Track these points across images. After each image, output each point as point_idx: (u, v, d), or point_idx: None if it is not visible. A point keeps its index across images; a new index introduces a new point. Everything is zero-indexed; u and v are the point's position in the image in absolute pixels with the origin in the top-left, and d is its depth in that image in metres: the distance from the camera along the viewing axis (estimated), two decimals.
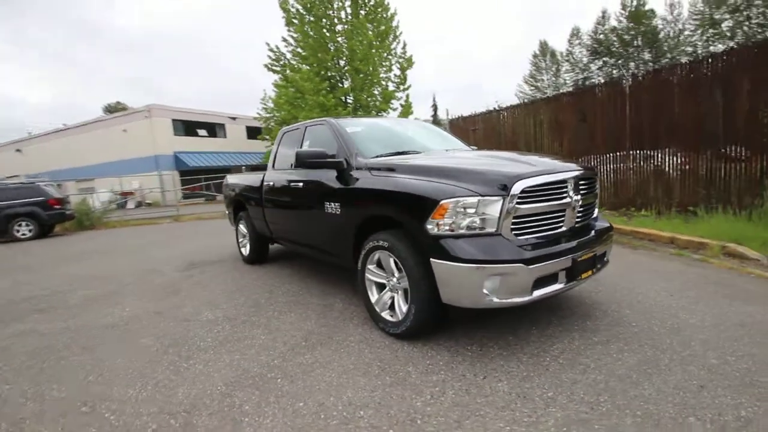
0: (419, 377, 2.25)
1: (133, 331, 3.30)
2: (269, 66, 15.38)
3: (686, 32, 37.00)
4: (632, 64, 40.41)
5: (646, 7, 38.26)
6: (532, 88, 46.49)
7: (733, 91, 6.05)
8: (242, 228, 5.57)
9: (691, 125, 6.55)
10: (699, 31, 35.35)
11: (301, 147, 4.01)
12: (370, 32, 14.14)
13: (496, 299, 2.25)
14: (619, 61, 40.83)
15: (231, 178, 6.04)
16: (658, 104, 7.09)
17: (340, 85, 15.17)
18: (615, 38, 40.23)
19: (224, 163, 26.74)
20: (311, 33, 14.05)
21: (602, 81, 10.43)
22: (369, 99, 14.96)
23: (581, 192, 2.67)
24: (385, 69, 15.51)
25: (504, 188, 2.29)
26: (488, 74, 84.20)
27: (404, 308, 2.65)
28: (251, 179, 5.15)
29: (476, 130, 11.25)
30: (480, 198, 2.27)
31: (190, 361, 2.65)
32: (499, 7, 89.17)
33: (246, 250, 5.53)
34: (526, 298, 2.29)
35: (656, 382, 2.08)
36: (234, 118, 30.27)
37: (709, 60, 6.44)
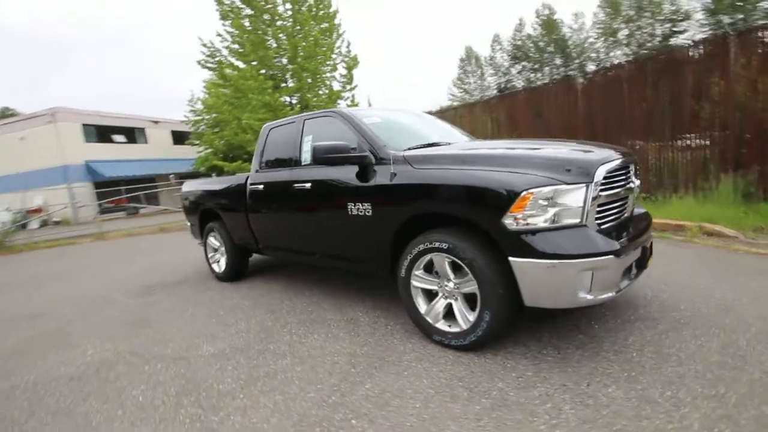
0: (518, 394, 1.96)
1: (112, 381, 2.58)
2: (203, 63, 14.01)
3: (590, 40, 41.37)
4: (546, 69, 44.28)
5: (556, 17, 42.12)
6: (461, 90, 48.80)
7: (678, 87, 6.65)
8: (213, 241, 4.84)
9: (641, 118, 7.10)
10: (601, 39, 39.73)
11: (301, 143, 3.51)
12: (316, 29, 13.56)
13: (589, 296, 2.04)
14: (536, 66, 44.46)
15: (193, 185, 5.23)
16: (609, 99, 7.59)
17: (284, 84, 14.35)
18: (531, 45, 43.72)
19: (147, 172, 24.02)
20: (249, 28, 13.07)
21: (556, 79, 11.02)
22: (315, 99, 14.34)
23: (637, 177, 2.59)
24: (329, 68, 15.00)
25: (587, 174, 2.10)
26: (421, 78, 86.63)
27: (471, 316, 2.35)
28: (227, 183, 4.47)
29: None
30: (565, 186, 2.05)
31: (219, 413, 2.07)
32: (428, 13, 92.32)
33: (220, 266, 4.80)
34: (615, 293, 2.12)
35: (754, 363, 2.02)
36: (156, 122, 27.38)
37: (653, 58, 7.04)
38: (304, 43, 13.24)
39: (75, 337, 3.43)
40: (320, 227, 3.28)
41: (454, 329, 2.45)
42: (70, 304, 4.55)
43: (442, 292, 2.52)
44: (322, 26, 14.41)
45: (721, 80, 6.15)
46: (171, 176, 22.02)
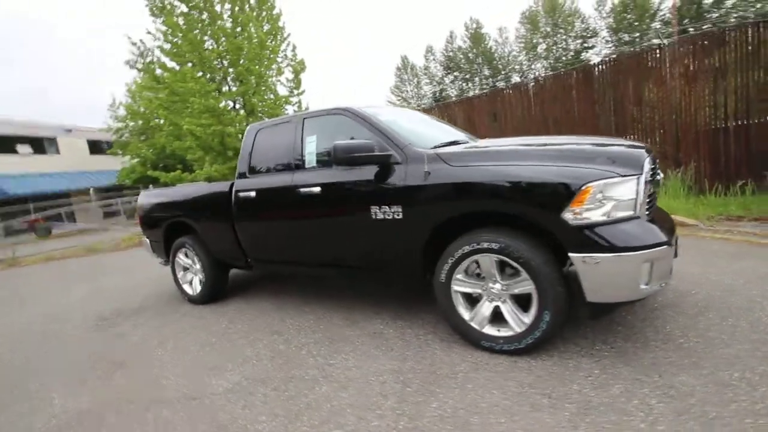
0: (599, 395, 1.89)
1: None
2: (132, 63, 12.62)
3: (514, 53, 44.64)
4: (477, 79, 46.95)
5: (483, 31, 44.86)
6: (399, 98, 49.91)
7: (621, 93, 7.30)
8: (184, 259, 4.27)
9: (590, 121, 7.68)
10: (523, 52, 43.06)
11: (302, 144, 3.20)
12: (260, 30, 12.89)
13: (648, 287, 2.04)
14: (467, 76, 46.92)
15: (154, 195, 4.59)
16: (560, 104, 8.13)
17: (226, 87, 13.43)
18: (462, 56, 46.08)
19: (60, 187, 21.13)
20: (185, 27, 12.04)
21: (510, 84, 11.56)
22: (261, 104, 13.61)
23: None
24: (275, 71, 14.36)
25: (638, 166, 2.11)
26: (357, 85, 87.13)
27: (527, 318, 2.25)
28: (204, 191, 3.97)
29: None
30: (620, 179, 2.04)
31: None
32: (365, 24, 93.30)
33: (193, 287, 4.25)
34: (666, 282, 2.16)
35: None
36: (69, 130, 24.22)
37: (599, 65, 7.68)
38: (248, 45, 12.52)
39: (32, 384, 2.78)
40: (333, 234, 3.00)
41: (505, 333, 2.33)
42: (4, 344, 3.72)
43: (487, 295, 2.40)
44: (265, 28, 13.78)
45: (658, 87, 6.86)
46: (91, 190, 19.62)
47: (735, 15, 32.83)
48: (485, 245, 2.27)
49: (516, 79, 42.98)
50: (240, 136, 12.95)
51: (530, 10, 41.86)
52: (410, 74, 48.94)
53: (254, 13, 13.15)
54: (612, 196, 2.03)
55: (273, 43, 13.89)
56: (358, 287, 4.02)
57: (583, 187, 2.01)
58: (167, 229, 4.34)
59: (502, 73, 44.80)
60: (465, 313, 2.46)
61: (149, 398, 2.41)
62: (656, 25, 36.92)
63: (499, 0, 68.88)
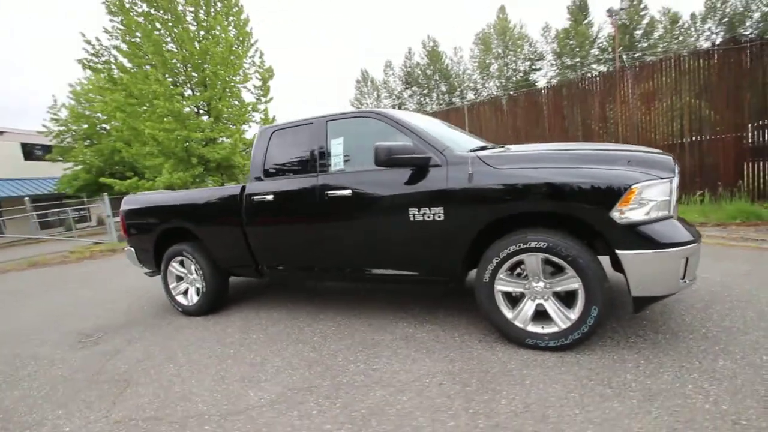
0: (655, 382, 2.01)
1: None
2: (86, 62, 11.60)
3: (468, 71, 46.76)
4: (434, 94, 48.55)
5: (440, 49, 46.63)
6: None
7: (587, 109, 7.92)
8: (178, 268, 3.99)
9: (559, 134, 8.23)
10: (477, 71, 45.25)
11: (327, 147, 3.14)
12: (229, 34, 12.48)
13: (684, 282, 2.23)
14: (425, 91, 48.37)
15: (144, 200, 4.24)
16: (532, 118, 8.65)
17: (188, 92, 12.80)
18: (420, 72, 47.51)
19: None
20: (148, 27, 11.37)
21: (484, 99, 12.05)
22: (228, 110, 13.12)
23: None
24: (241, 77, 13.95)
25: (670, 170, 2.31)
26: (316, 97, 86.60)
27: (572, 314, 2.35)
28: (211, 195, 3.74)
29: None
30: (659, 181, 2.22)
31: None
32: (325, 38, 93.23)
33: (189, 298, 3.97)
34: (694, 278, 2.35)
35: None
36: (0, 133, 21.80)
37: (567, 86, 8.28)
38: (215, 49, 12.08)
39: (28, 416, 2.43)
40: (365, 238, 2.95)
41: (550, 330, 2.42)
42: None
43: (530, 293, 2.48)
44: (231, 33, 13.41)
45: (621, 105, 7.52)
46: (26, 199, 17.72)
47: (662, 45, 36.86)
48: (533, 244, 2.35)
49: (471, 96, 45.01)
50: (207, 141, 12.40)
51: (483, 31, 44.22)
52: (370, 87, 49.59)
53: (221, 17, 12.75)
54: (651, 197, 2.20)
55: (240, 48, 13.53)
56: (368, 292, 3.97)
57: (630, 188, 2.16)
58: (160, 236, 4.03)
59: (458, 90, 46.67)
60: (508, 313, 2.52)
61: (182, 415, 2.21)
62: (595, 51, 40.50)
63: (455, 20, 72.19)
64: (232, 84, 13.38)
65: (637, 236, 2.16)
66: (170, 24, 11.90)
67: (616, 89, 7.46)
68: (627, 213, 2.17)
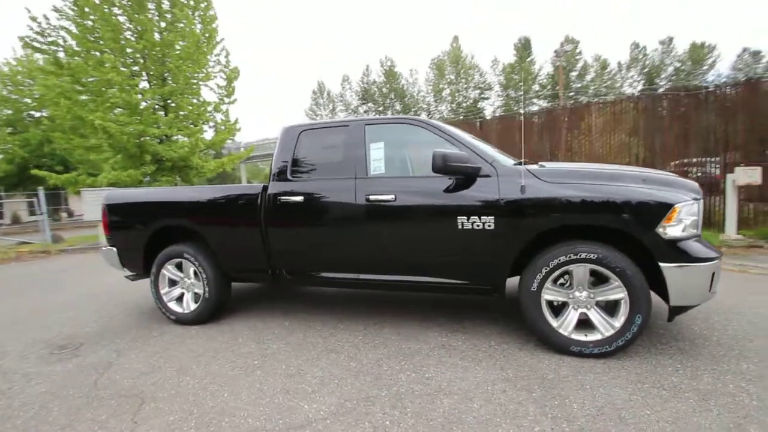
0: (699, 383, 2.19)
1: None
2: (29, 41, 10.19)
3: (422, 93, 48.55)
4: (389, 112, 49.60)
5: (396, 69, 48.03)
6: (312, 120, 49.94)
7: (556, 138, 8.59)
8: (173, 271, 3.63)
9: (532, 155, 8.80)
10: (431, 94, 47.16)
11: (366, 151, 3.08)
12: (196, 28, 11.79)
13: (711, 293, 2.48)
14: (380, 108, 49.30)
15: (133, 196, 3.82)
16: (506, 140, 9.17)
17: (146, 84, 11.84)
18: (376, 89, 48.45)
19: None
20: (105, 9, 10.38)
21: (460, 119, 12.48)
22: (190, 107, 12.32)
23: None
24: (203, 75, 13.23)
25: (698, 192, 2.59)
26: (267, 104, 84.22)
27: (617, 322, 2.50)
28: (226, 192, 3.47)
29: None
30: (692, 201, 2.48)
31: None
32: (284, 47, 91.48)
33: (184, 304, 3.61)
34: (716, 291, 2.61)
35: None
36: None
37: (538, 114, 8.93)
38: (182, 43, 11.39)
39: None
40: (408, 244, 2.91)
41: (593, 337, 2.55)
42: None
43: (574, 302, 2.61)
44: (197, 27, 12.74)
45: (584, 137, 8.26)
46: None
47: (593, 87, 41.15)
48: (582, 255, 2.49)
49: (424, 116, 46.55)
50: (163, 138, 11.55)
51: (438, 58, 46.39)
52: (326, 99, 49.52)
53: (188, 11, 12.09)
54: (687, 216, 2.44)
55: (205, 45, 12.89)
56: (379, 301, 3.90)
57: (673, 207, 2.38)
58: (152, 236, 3.65)
59: (412, 110, 48.15)
60: (553, 321, 2.62)
61: (238, 430, 1.98)
62: (536, 87, 44.16)
63: (412, 44, 74.82)
64: (194, 81, 12.65)
65: (677, 251, 2.38)
66: (130, 10, 11.02)
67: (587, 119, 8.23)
68: (668, 230, 2.39)
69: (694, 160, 7.12)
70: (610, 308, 2.57)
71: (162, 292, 3.66)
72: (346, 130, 3.21)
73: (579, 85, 42.16)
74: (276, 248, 3.25)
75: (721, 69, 37.64)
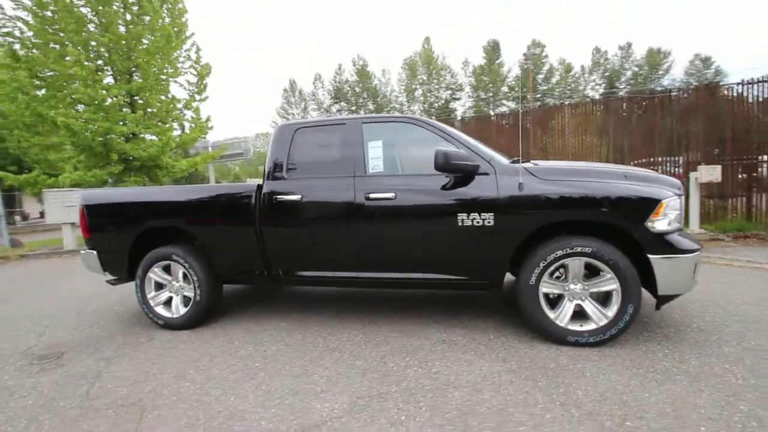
0: (689, 367, 2.35)
1: None
2: None
3: (395, 93, 48.79)
4: (362, 111, 49.53)
5: (369, 69, 48.00)
6: (284, 119, 49.17)
7: (532, 135, 8.89)
8: (161, 275, 3.49)
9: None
10: (403, 94, 47.47)
11: (364, 149, 3.08)
12: (166, 22, 11.30)
13: (694, 282, 2.66)
14: (353, 108, 49.12)
15: (117, 195, 3.65)
16: (482, 139, 9.39)
17: (111, 80, 11.25)
18: (349, 89, 48.24)
19: None
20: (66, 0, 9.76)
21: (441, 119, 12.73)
22: (159, 104, 11.81)
23: None
24: (171, 71, 12.72)
25: (680, 188, 2.77)
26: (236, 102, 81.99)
27: (609, 312, 2.63)
28: (219, 191, 3.38)
29: None
30: (676, 197, 2.65)
31: None
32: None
33: (173, 308, 3.49)
34: (697, 281, 2.79)
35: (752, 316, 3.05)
36: None
37: (506, 116, 9.21)
38: (151, 36, 10.91)
39: None
40: (408, 242, 2.94)
41: (588, 327, 2.67)
42: None
43: (569, 294, 2.72)
44: (166, 21, 12.25)
45: (557, 136, 8.60)
46: None
47: (558, 89, 42.73)
48: (578, 249, 2.61)
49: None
50: (129, 136, 11.06)
51: (410, 58, 46.75)
52: (298, 98, 48.84)
53: (156, 3, 11.60)
54: (671, 210, 2.61)
55: (174, 40, 12.41)
56: (371, 300, 3.92)
57: (660, 202, 2.54)
58: (138, 238, 3.50)
59: (385, 109, 48.25)
60: (550, 313, 2.72)
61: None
62: (505, 89, 45.35)
63: (385, 43, 74.98)
64: (163, 77, 12.17)
65: (664, 243, 2.54)
66: (94, 1, 10.45)
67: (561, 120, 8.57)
68: (656, 224, 2.54)
69: (659, 159, 7.56)
70: (602, 299, 2.71)
71: (149, 296, 3.51)
72: (343, 128, 3.20)
73: (545, 88, 43.68)
74: (272, 248, 3.20)
75: (676, 74, 40.08)
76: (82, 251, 3.79)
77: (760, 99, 6.47)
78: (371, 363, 2.64)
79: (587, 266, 2.68)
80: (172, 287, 3.50)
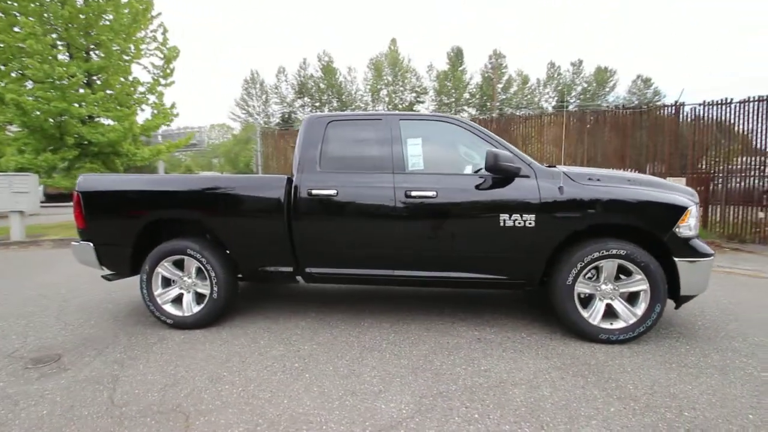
0: (714, 360, 2.56)
1: None
2: None
3: (360, 92, 48.63)
4: (326, 108, 48.88)
5: (335, 65, 47.44)
6: (244, 111, 47.36)
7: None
8: (171, 270, 3.24)
9: None
10: (369, 94, 47.43)
11: (402, 146, 3.05)
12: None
13: (707, 285, 2.91)
14: (317, 104, 48.34)
15: (120, 182, 3.32)
16: None
17: (67, 57, 10.19)
18: (313, 84, 47.39)
19: None
20: None
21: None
22: (119, 85, 10.88)
23: None
24: (134, 53, 11.79)
25: (695, 196, 3.01)
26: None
27: (638, 310, 2.80)
28: (246, 183, 3.18)
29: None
30: (695, 205, 2.88)
31: None
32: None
33: (185, 306, 3.24)
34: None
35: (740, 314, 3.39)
36: None
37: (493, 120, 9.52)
38: (116, 13, 10.03)
39: None
40: (451, 240, 2.94)
41: (618, 325, 2.83)
42: None
43: (600, 294, 2.87)
44: None
45: (538, 143, 9.01)
46: None
47: (515, 99, 44.78)
48: (614, 251, 2.75)
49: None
50: (86, 119, 10.14)
51: (376, 58, 46.84)
52: (259, 90, 47.19)
53: None
54: (693, 218, 2.83)
55: (141, 16, 11.54)
56: (381, 297, 3.89)
57: (687, 209, 2.75)
58: (144, 229, 3.22)
59: (350, 108, 47.94)
60: (583, 312, 2.85)
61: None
62: (466, 95, 46.77)
63: (351, 41, 74.48)
64: (127, 58, 11.28)
65: (689, 248, 2.76)
66: None
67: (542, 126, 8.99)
68: (683, 229, 2.75)
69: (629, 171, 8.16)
70: (629, 298, 2.88)
71: (156, 293, 3.23)
72: (379, 124, 3.14)
73: (503, 97, 45.60)
74: (302, 244, 3.07)
75: (620, 92, 43.53)
76: (73, 242, 3.41)
77: (718, 120, 7.19)
78: (417, 362, 2.61)
79: (619, 267, 2.83)
80: (184, 283, 3.25)
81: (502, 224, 2.84)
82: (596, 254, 2.77)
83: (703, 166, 7.51)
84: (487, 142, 3.00)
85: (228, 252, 3.21)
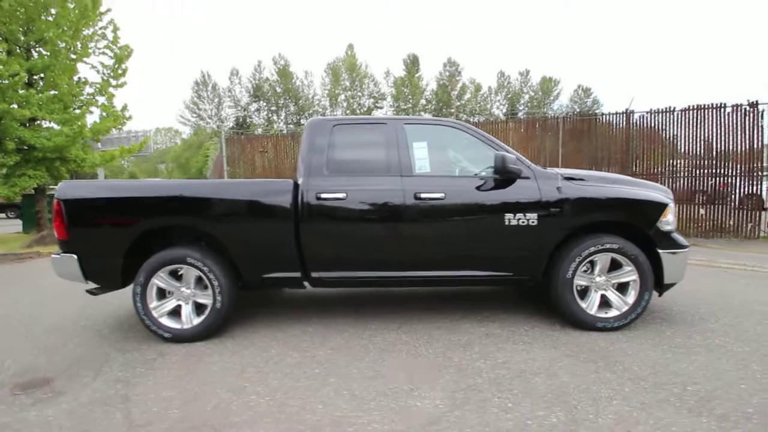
0: (709, 345, 2.86)
1: None
2: None
3: (317, 97, 48.24)
4: (282, 113, 48.01)
5: (291, 69, 46.73)
6: (195, 115, 45.31)
7: None
8: (168, 280, 3.07)
9: None
10: (326, 98, 47.16)
11: (409, 149, 3.12)
12: None
13: (684, 274, 3.24)
14: (273, 108, 47.33)
15: (109, 189, 3.10)
16: None
17: (3, 54, 9.23)
18: (269, 88, 46.35)
19: None
20: None
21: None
22: (67, 86, 10.00)
23: None
24: (81, 51, 10.94)
25: (670, 194, 3.35)
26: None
27: (629, 299, 3.05)
28: (244, 188, 3.07)
29: (265, 152, 10.56)
30: (671, 201, 3.21)
31: None
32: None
33: (184, 318, 3.08)
34: None
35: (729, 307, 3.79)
36: None
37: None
38: (61, 8, 9.25)
39: None
40: (460, 240, 3.05)
41: (612, 314, 3.07)
42: None
43: (595, 286, 3.11)
44: None
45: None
46: None
47: (469, 106, 46.51)
48: (607, 246, 3.00)
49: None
50: (27, 123, 9.29)
51: (334, 63, 46.73)
52: (211, 93, 45.37)
53: None
54: (671, 213, 3.15)
55: (90, 12, 10.75)
56: (377, 299, 3.94)
57: (668, 205, 3.06)
58: (138, 239, 3.03)
59: (308, 112, 47.39)
60: (582, 303, 3.07)
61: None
62: (422, 101, 47.90)
63: (306, 45, 73.46)
64: (74, 56, 10.46)
65: (669, 240, 3.06)
66: None
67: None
68: (663, 224, 3.05)
69: None
70: (619, 288, 3.13)
71: (151, 306, 3.05)
72: (384, 128, 3.20)
73: (458, 104, 47.24)
74: (312, 248, 3.04)
75: (563, 100, 46.65)
76: (53, 255, 3.13)
77: (663, 126, 7.98)
78: (437, 359, 2.68)
79: (614, 259, 3.07)
80: (182, 294, 3.09)
81: (507, 223, 2.99)
82: (593, 249, 3.00)
83: (651, 168, 8.28)
84: (488, 145, 3.15)
85: (231, 259, 3.09)
